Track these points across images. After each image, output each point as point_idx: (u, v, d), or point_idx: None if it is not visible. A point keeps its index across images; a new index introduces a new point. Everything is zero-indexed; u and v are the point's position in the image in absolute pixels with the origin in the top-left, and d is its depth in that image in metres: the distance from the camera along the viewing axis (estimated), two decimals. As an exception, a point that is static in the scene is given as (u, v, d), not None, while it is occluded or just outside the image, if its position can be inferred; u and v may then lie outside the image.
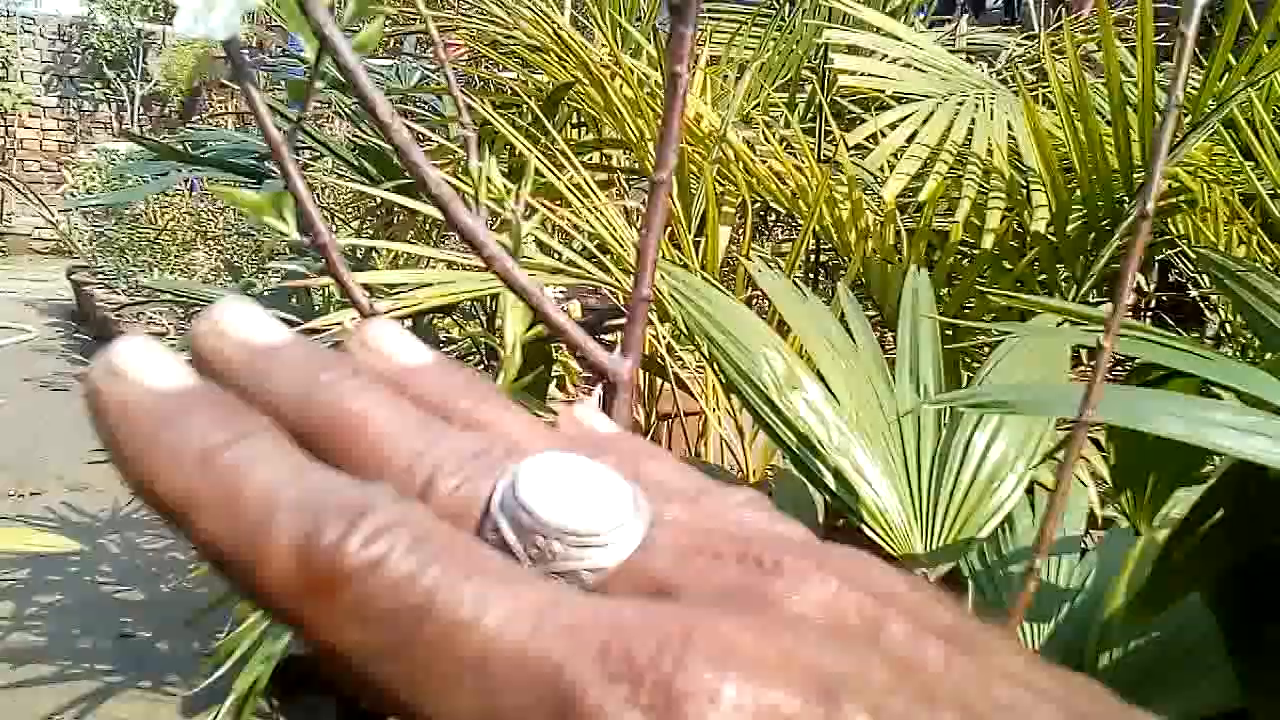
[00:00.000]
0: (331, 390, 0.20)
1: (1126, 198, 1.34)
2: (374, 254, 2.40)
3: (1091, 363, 1.40)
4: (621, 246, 1.26)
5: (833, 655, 0.17)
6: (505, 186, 0.47)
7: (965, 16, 2.19)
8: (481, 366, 1.85)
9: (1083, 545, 1.09)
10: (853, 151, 1.54)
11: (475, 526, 0.19)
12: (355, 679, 0.17)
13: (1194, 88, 1.34)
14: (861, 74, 1.41)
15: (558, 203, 1.36)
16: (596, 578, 0.19)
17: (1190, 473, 0.89)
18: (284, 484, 0.18)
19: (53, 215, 9.10)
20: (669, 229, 1.39)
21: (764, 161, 1.49)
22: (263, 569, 0.17)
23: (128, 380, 0.19)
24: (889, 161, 1.41)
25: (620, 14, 1.72)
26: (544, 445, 0.21)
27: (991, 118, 1.39)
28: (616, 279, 1.26)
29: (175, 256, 5.75)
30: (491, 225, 0.44)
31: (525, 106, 1.53)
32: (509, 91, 1.67)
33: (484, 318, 1.81)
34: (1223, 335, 1.70)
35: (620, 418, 0.43)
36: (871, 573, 0.19)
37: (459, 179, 1.19)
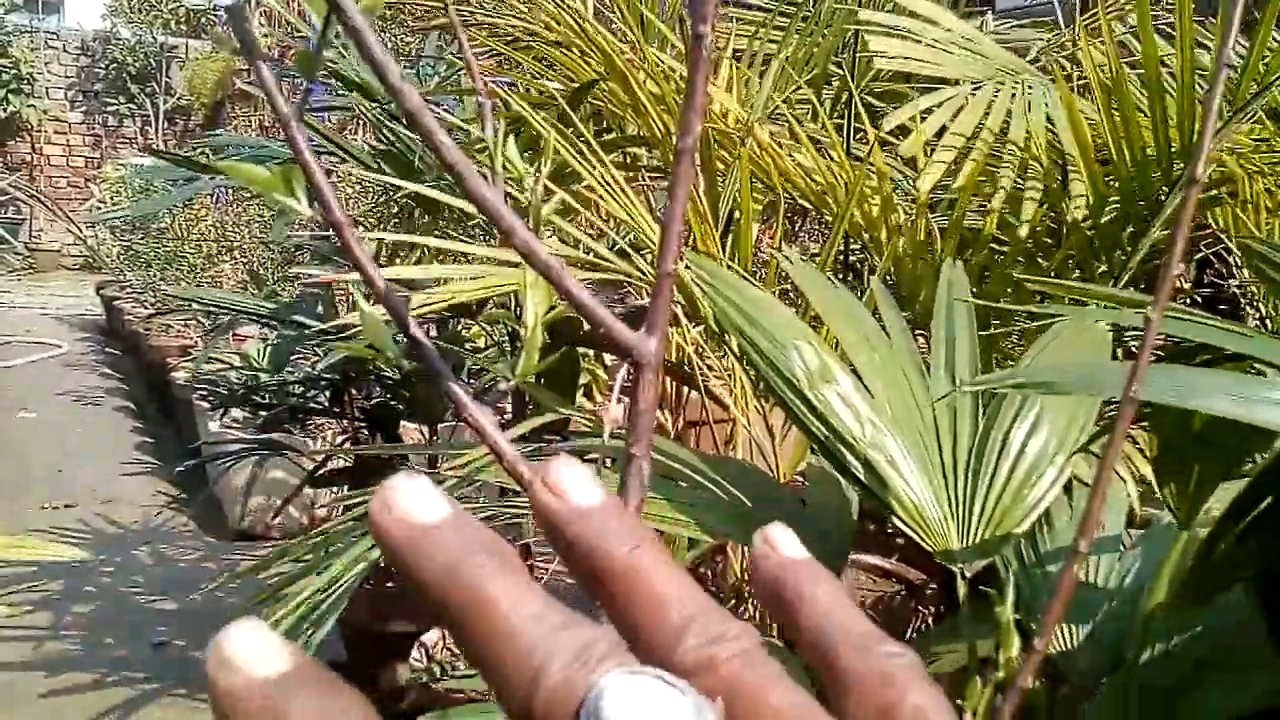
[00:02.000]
0: (472, 574, 0.23)
1: (1165, 188, 1.31)
2: (397, 260, 2.39)
3: (1135, 348, 1.37)
4: (653, 242, 1.24)
5: None
6: (524, 167, 0.45)
7: (988, 14, 2.16)
8: (503, 354, 1.84)
9: (1122, 545, 1.06)
10: (884, 146, 1.51)
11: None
12: None
13: (1235, 73, 1.31)
14: (898, 56, 1.39)
15: (588, 197, 1.34)
16: None
17: (1235, 465, 0.86)
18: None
19: (81, 231, 9.19)
20: (695, 229, 1.37)
21: (791, 157, 1.47)
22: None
23: (235, 669, 0.21)
24: (924, 150, 1.38)
25: (644, 5, 1.70)
26: (676, 613, 0.23)
27: (1029, 105, 1.36)
28: (638, 270, 1.25)
29: (202, 269, 5.78)
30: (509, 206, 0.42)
31: (548, 104, 1.51)
32: (534, 92, 1.65)
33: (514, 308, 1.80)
34: (1262, 330, 1.66)
35: (646, 399, 0.41)
36: None
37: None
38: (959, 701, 0.66)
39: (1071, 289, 0.93)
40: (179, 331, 5.32)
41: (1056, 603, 0.45)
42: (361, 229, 3.15)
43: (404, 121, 1.66)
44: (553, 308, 0.46)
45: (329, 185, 0.40)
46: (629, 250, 1.28)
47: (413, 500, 0.24)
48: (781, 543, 0.27)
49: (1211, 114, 0.45)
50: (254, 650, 0.21)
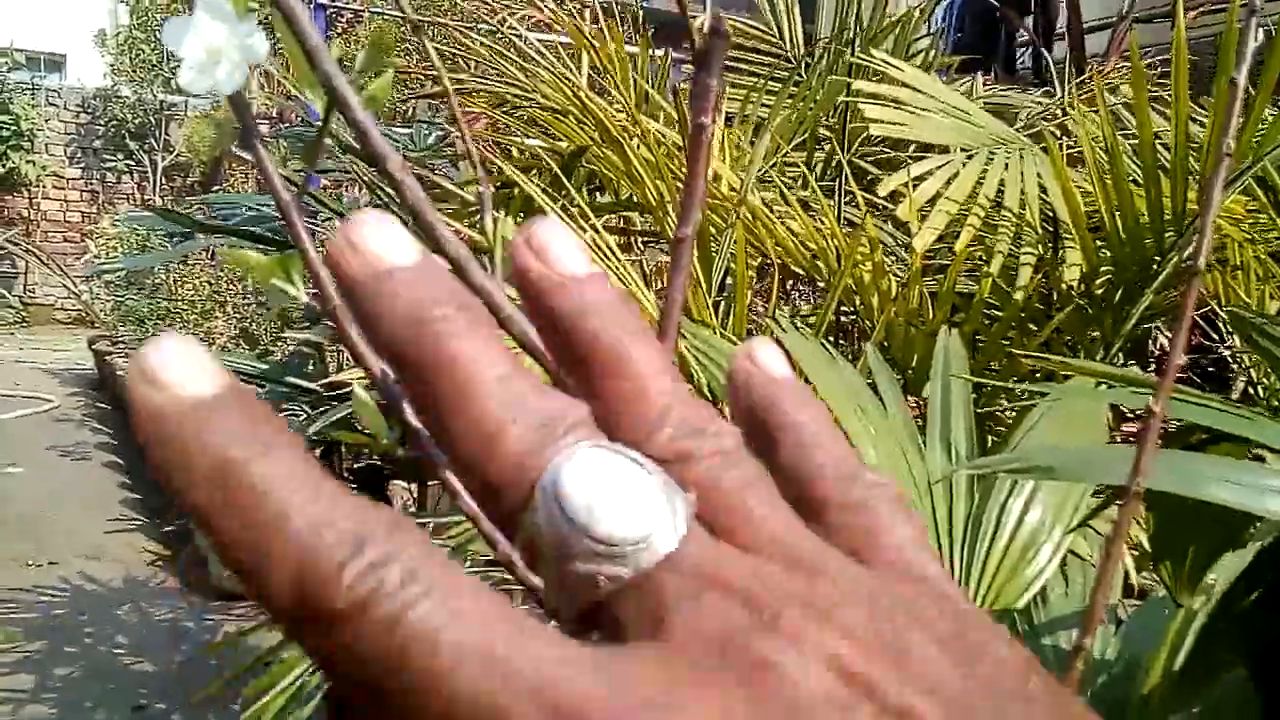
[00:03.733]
0: (436, 326, 0.20)
1: (1158, 256, 1.32)
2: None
3: (1122, 427, 1.37)
4: (646, 305, 1.24)
5: None
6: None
7: (982, 75, 2.19)
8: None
9: (1118, 616, 1.05)
10: (876, 211, 1.52)
11: (524, 499, 0.19)
12: (355, 702, 0.18)
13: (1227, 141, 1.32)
14: (892, 123, 1.40)
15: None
16: (611, 587, 0.19)
17: (1232, 543, 0.86)
18: (291, 509, 0.18)
19: (75, 286, 9.19)
20: (689, 296, 1.37)
21: (783, 222, 1.48)
22: (268, 592, 0.18)
23: (161, 386, 0.19)
24: (919, 216, 1.39)
25: (640, 75, 1.72)
26: (655, 401, 0.21)
27: (1022, 174, 1.38)
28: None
29: (195, 325, 5.78)
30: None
31: (543, 168, 1.53)
32: (527, 155, 1.67)
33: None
34: (1253, 394, 1.67)
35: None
36: (912, 626, 0.18)
37: (478, 240, 1.18)
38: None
39: (1067, 365, 0.94)
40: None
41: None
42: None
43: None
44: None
45: (327, 272, 0.40)
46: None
47: (381, 239, 0.22)
48: (766, 360, 0.25)
49: (1213, 200, 0.45)
50: (181, 368, 0.19)
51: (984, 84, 2.10)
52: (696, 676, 0.17)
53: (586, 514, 0.19)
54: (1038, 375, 1.26)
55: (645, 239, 1.66)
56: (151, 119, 11.27)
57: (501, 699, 0.16)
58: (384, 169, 0.36)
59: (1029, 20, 3.99)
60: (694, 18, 0.47)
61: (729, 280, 1.39)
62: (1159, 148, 1.34)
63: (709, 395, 1.08)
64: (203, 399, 0.19)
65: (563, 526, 0.19)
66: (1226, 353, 1.86)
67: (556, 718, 0.16)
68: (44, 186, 11.25)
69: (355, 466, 2.11)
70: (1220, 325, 1.85)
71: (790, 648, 0.17)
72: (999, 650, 0.19)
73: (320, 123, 0.41)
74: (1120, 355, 1.43)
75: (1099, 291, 1.39)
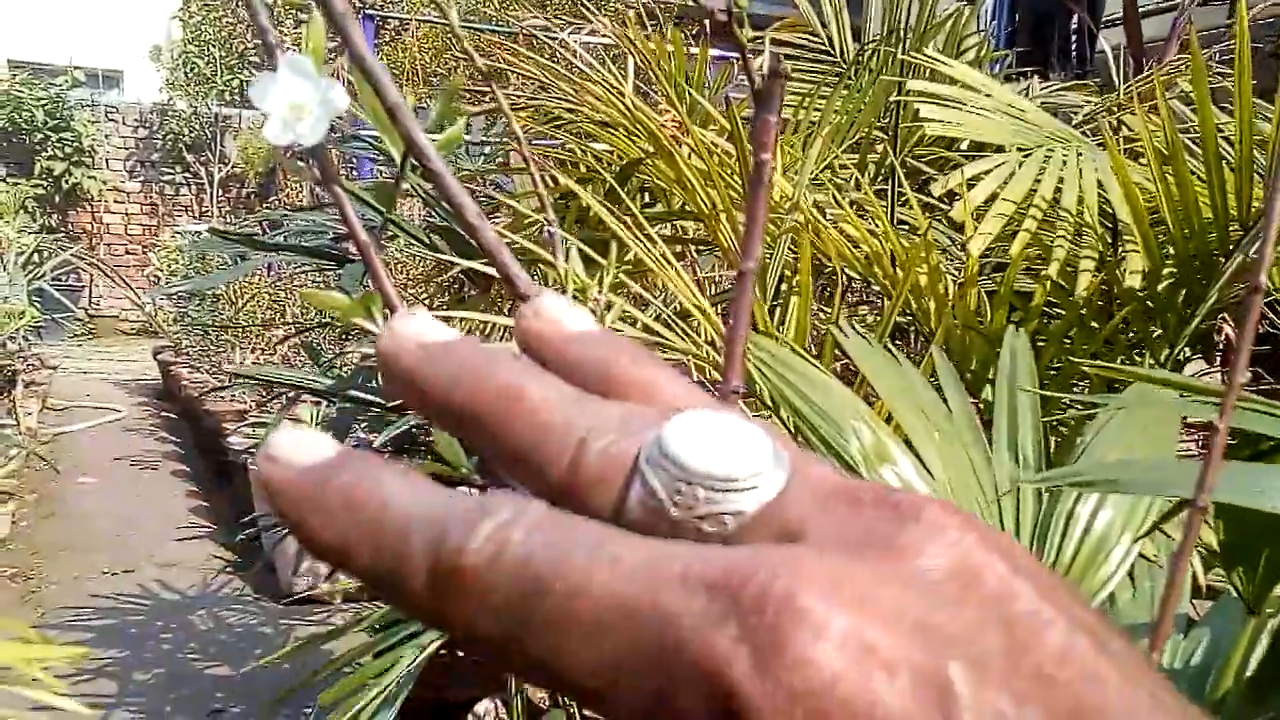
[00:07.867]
0: (497, 368, 0.23)
1: (1221, 254, 1.30)
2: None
3: (1192, 429, 1.36)
4: (701, 313, 1.25)
5: (949, 613, 0.17)
6: (587, 280, 0.46)
7: (1037, 77, 2.16)
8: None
9: (1188, 619, 1.04)
10: (930, 211, 1.52)
11: (625, 482, 0.21)
12: (497, 663, 0.20)
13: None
14: (948, 122, 1.39)
15: (635, 274, 1.36)
16: (738, 522, 0.20)
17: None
18: (414, 506, 0.20)
19: (139, 297, 9.39)
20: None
21: (836, 225, 1.47)
22: (407, 584, 0.20)
23: (281, 463, 0.22)
24: (974, 216, 1.38)
25: (688, 84, 1.73)
26: (697, 405, 0.23)
27: (1080, 172, 1.36)
28: (694, 345, 1.25)
29: (255, 335, 5.88)
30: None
31: (598, 180, 1.54)
32: (582, 168, 1.68)
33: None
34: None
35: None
36: (1015, 548, 0.20)
37: (537, 249, 1.19)
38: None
39: (1127, 373, 0.92)
40: (234, 396, 5.40)
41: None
42: (413, 294, 3.19)
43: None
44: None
45: (405, 307, 0.41)
46: (676, 320, 1.29)
47: (424, 326, 0.24)
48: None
49: (1275, 212, 0.45)
50: (296, 445, 0.22)
51: (1039, 83, 2.07)
52: (848, 555, 0.19)
53: (703, 462, 0.20)
54: (1099, 380, 1.25)
55: (699, 247, 1.67)
56: (207, 132, 11.49)
57: (650, 589, 0.18)
58: (460, 215, 0.37)
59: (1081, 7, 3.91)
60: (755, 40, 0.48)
61: (783, 287, 1.39)
62: (1222, 142, 1.32)
63: (769, 403, 1.09)
64: (316, 462, 0.22)
65: (681, 481, 0.20)
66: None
67: (711, 588, 0.17)
68: (106, 201, 11.53)
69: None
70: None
71: (935, 537, 0.19)
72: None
73: (398, 165, 0.43)
74: (1186, 350, 1.41)
75: (1161, 288, 1.37)
